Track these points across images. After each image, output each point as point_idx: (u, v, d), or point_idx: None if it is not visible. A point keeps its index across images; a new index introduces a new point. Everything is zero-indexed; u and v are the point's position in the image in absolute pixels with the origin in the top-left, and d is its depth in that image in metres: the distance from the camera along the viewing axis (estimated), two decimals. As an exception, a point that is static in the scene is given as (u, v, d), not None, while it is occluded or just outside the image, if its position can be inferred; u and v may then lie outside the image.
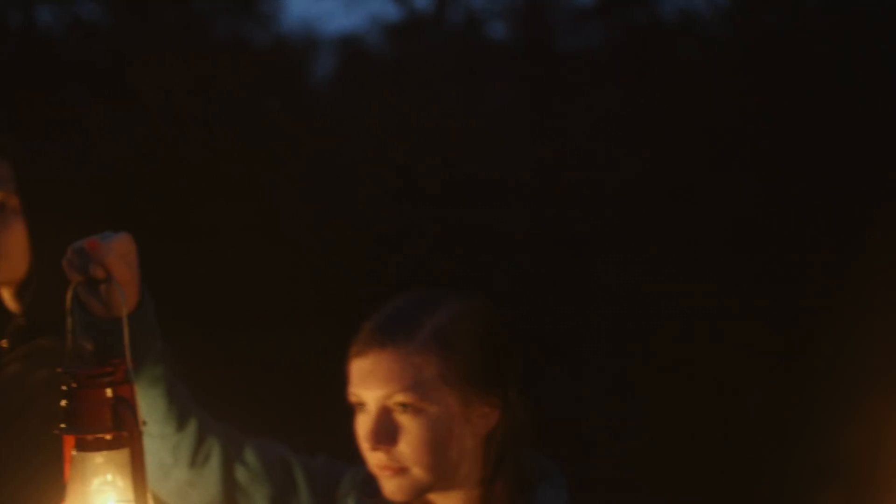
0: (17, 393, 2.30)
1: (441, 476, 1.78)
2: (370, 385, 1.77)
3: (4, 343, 2.37)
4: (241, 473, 1.87)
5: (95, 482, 1.35)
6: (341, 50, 9.78)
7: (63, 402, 1.37)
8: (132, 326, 1.56)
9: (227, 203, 7.12)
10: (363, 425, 1.79)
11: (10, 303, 2.39)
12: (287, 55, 8.98)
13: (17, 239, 2.33)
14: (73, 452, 1.37)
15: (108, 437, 1.36)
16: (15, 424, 2.29)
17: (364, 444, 1.79)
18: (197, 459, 1.82)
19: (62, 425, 1.37)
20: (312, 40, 9.44)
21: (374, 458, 1.78)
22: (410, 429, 1.75)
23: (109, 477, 1.36)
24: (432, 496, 1.82)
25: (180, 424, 1.78)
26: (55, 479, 1.44)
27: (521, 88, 8.61)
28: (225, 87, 7.84)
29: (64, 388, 1.38)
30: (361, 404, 1.79)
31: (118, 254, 1.61)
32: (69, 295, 1.59)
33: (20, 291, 2.37)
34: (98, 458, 1.36)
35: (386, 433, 1.76)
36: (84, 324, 1.60)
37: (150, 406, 1.72)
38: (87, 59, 8.21)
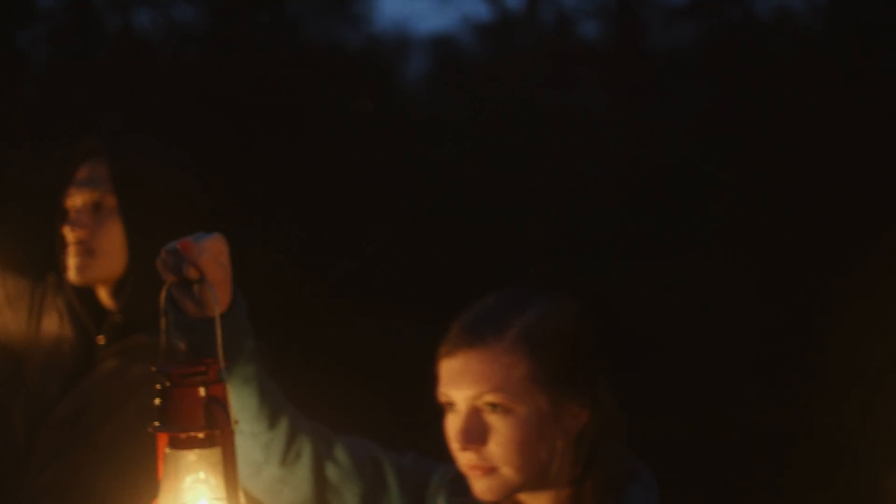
0: (114, 388, 2.34)
1: (531, 476, 1.77)
2: (460, 385, 1.77)
3: (101, 339, 2.41)
4: (331, 471, 1.88)
5: (188, 479, 1.37)
6: (433, 50, 9.81)
7: (157, 401, 1.39)
8: (225, 326, 1.57)
9: (320, 201, 7.17)
10: (453, 425, 1.79)
11: (107, 300, 2.43)
12: (379, 56, 9.02)
13: (114, 238, 2.37)
14: (167, 450, 1.38)
15: (200, 435, 1.37)
16: (112, 419, 2.33)
17: (454, 443, 1.79)
18: (288, 457, 1.83)
19: (156, 423, 1.39)
20: (404, 41, 9.48)
21: (464, 458, 1.78)
22: (500, 429, 1.75)
23: (202, 474, 1.37)
24: (522, 496, 1.81)
25: (272, 423, 1.80)
26: (150, 473, 1.45)
27: (613, 87, 8.56)
28: (317, 87, 7.89)
29: (158, 386, 1.40)
30: (451, 404, 1.79)
31: (211, 254, 1.62)
32: (163, 295, 1.61)
33: (117, 289, 2.41)
34: (191, 455, 1.37)
35: (476, 433, 1.76)
36: (177, 323, 1.62)
37: (242, 405, 1.74)
38: (183, 61, 8.31)
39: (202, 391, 1.38)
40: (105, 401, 2.35)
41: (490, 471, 1.76)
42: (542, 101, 8.23)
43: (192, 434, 1.36)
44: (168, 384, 1.38)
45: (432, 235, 7.02)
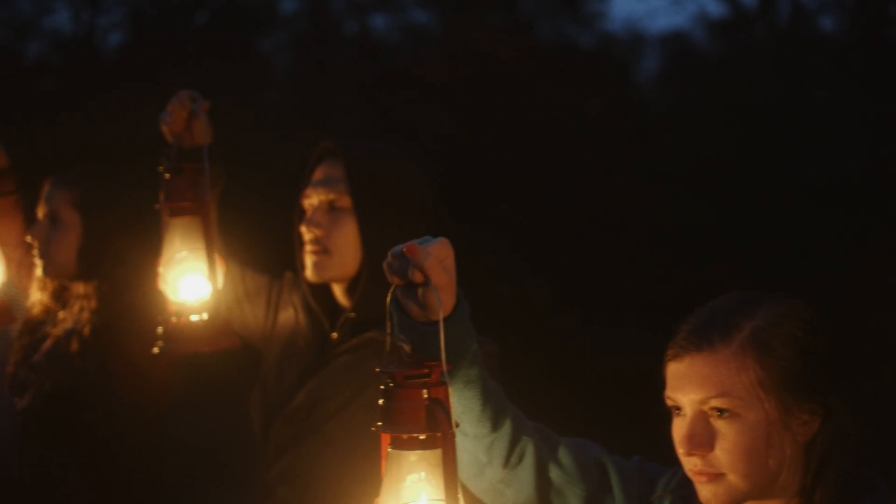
0: (347, 383, 2.39)
1: (758, 484, 1.73)
2: (686, 389, 1.75)
3: (335, 335, 2.47)
4: (554, 473, 1.87)
5: (409, 478, 1.39)
6: (665, 48, 9.68)
7: (380, 401, 1.42)
8: (448, 329, 1.59)
9: (549, 200, 7.17)
10: (679, 429, 1.76)
11: (342, 297, 2.50)
12: (611, 54, 8.97)
13: (349, 237, 2.43)
14: (389, 449, 1.41)
15: (421, 437, 1.39)
16: (343, 413, 2.38)
17: (679, 448, 1.76)
18: (511, 459, 1.84)
19: (379, 423, 1.41)
20: (637, 39, 9.40)
21: (690, 463, 1.75)
22: (727, 434, 1.72)
23: (423, 474, 1.39)
24: (749, 504, 1.77)
25: (495, 425, 1.80)
26: (376, 466, 1.48)
27: (853, 83, 8.26)
28: (550, 87, 7.89)
29: (382, 387, 1.42)
30: (678, 408, 1.77)
31: (436, 258, 1.62)
32: (389, 297, 1.64)
33: (351, 287, 2.47)
34: (412, 455, 1.39)
35: (702, 438, 1.73)
36: (402, 326, 1.64)
37: (465, 407, 1.75)
38: (417, 63, 8.44)
39: (424, 393, 1.40)
40: (337, 395, 2.41)
41: (716, 477, 1.73)
42: (779, 97, 8.01)
43: (414, 435, 1.38)
44: (391, 385, 1.41)
45: (747, 234, 6.91)
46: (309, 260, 2.46)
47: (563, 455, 1.89)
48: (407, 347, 1.57)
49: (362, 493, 1.51)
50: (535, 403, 2.01)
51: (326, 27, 8.75)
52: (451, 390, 1.49)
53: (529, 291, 6.49)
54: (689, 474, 1.76)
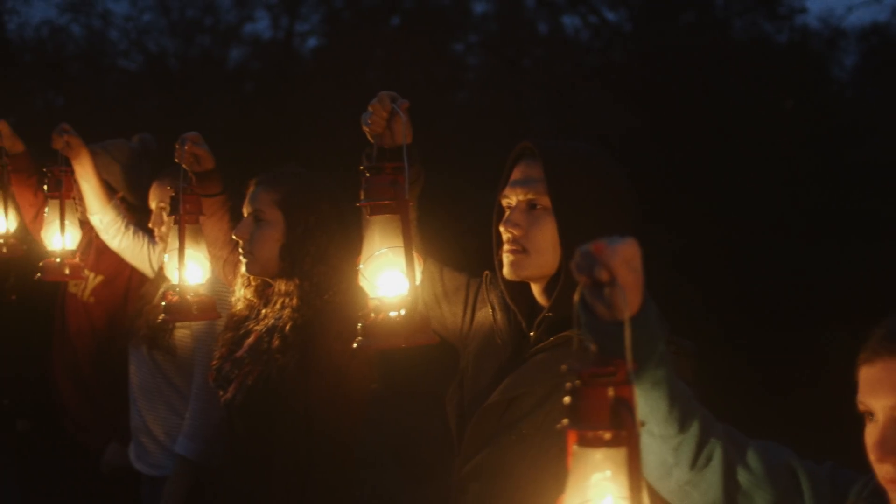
0: (542, 381, 2.41)
1: None
2: (878, 394, 1.72)
3: (532, 334, 2.50)
4: (743, 477, 1.86)
5: (594, 477, 1.39)
6: (864, 41, 9.41)
7: (566, 399, 1.43)
8: (634, 330, 1.58)
9: (741, 201, 7.05)
10: (871, 435, 1.73)
11: (540, 297, 2.52)
12: (807, 49, 8.76)
13: (547, 236, 2.45)
14: (575, 447, 1.42)
15: (607, 435, 1.39)
16: (538, 411, 2.41)
17: (871, 455, 1.73)
18: (698, 461, 1.83)
19: (565, 421, 1.43)
20: (834, 33, 9.16)
21: (882, 471, 1.72)
22: None
23: (608, 473, 1.39)
24: (940, 520, 1.73)
25: (682, 426, 1.80)
26: (566, 466, 1.50)
27: None
28: (742, 84, 7.76)
29: (568, 385, 1.44)
30: (870, 413, 1.74)
31: (623, 258, 1.62)
32: (576, 296, 1.65)
33: (549, 286, 2.48)
34: (598, 454, 1.40)
35: (895, 445, 1.69)
36: (589, 325, 1.65)
37: (651, 407, 1.76)
38: (608, 62, 8.41)
39: (610, 392, 1.41)
40: (532, 393, 2.43)
41: None
42: None
43: (599, 433, 1.39)
44: (578, 383, 1.42)
45: (864, 237, 6.73)
46: (507, 259, 2.48)
47: (752, 458, 1.87)
48: (593, 346, 1.57)
49: (554, 492, 1.52)
50: (726, 406, 2.00)
51: (518, 28, 8.79)
52: (637, 390, 1.49)
53: (721, 293, 6.40)
54: (882, 482, 1.73)
